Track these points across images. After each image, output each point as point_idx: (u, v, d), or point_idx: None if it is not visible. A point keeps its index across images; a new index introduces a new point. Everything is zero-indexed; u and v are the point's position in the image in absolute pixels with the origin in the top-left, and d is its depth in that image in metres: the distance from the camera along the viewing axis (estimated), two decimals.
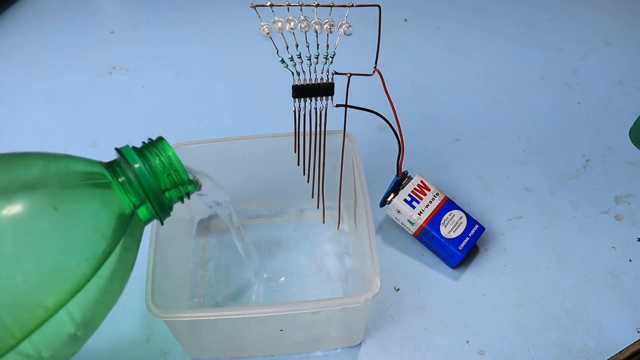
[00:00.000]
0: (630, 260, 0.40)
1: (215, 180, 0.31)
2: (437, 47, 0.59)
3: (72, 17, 0.64)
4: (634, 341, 0.36)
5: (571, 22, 0.62)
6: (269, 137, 0.37)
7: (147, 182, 0.25)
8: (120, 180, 0.25)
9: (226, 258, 0.40)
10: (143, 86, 0.55)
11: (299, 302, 0.37)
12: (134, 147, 0.26)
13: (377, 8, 0.29)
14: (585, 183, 0.46)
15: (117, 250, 0.25)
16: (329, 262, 0.40)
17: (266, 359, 0.36)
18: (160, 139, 0.27)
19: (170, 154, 0.26)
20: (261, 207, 0.43)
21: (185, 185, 0.27)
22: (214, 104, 0.53)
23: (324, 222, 0.41)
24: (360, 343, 0.36)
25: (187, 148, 0.37)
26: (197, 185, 0.29)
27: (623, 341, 0.36)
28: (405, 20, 0.63)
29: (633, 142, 0.49)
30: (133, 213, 0.26)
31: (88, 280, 0.24)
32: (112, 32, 0.62)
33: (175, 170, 0.26)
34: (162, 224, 0.28)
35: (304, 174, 0.36)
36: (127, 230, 0.25)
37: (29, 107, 0.53)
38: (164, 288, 0.32)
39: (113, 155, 0.26)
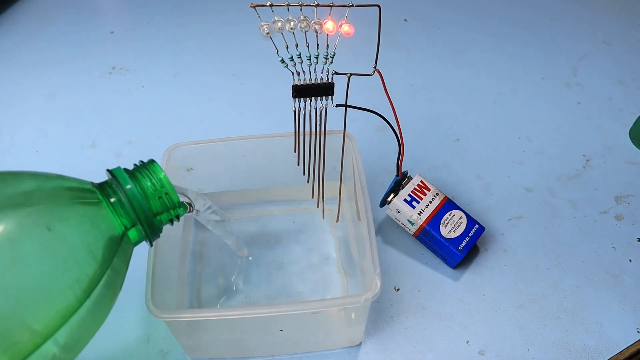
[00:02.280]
0: (630, 260, 0.40)
1: (208, 199, 0.31)
2: (437, 47, 0.59)
3: (72, 17, 0.64)
4: (634, 341, 0.36)
5: (571, 22, 0.62)
6: (269, 137, 0.37)
7: (139, 204, 0.25)
8: (111, 200, 0.25)
9: (226, 257, 0.40)
10: (143, 86, 0.55)
11: (299, 302, 0.37)
12: (125, 169, 0.26)
13: (377, 8, 0.29)
14: (585, 183, 0.46)
15: (108, 272, 0.25)
16: (329, 262, 0.40)
17: (266, 359, 0.36)
18: (152, 161, 0.27)
19: (161, 176, 0.27)
20: (259, 207, 0.43)
21: (175, 208, 0.27)
22: (214, 104, 0.53)
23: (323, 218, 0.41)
24: (360, 343, 0.36)
25: (187, 148, 0.37)
26: (187, 208, 0.29)
27: (623, 341, 0.36)
28: (405, 20, 0.63)
29: (633, 142, 0.49)
30: (124, 235, 0.26)
31: (81, 304, 0.23)
32: (112, 32, 0.62)
33: (166, 193, 0.26)
34: (151, 245, 0.28)
35: (304, 174, 0.36)
36: (117, 252, 0.25)
37: (29, 107, 0.53)
38: (164, 288, 0.32)
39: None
